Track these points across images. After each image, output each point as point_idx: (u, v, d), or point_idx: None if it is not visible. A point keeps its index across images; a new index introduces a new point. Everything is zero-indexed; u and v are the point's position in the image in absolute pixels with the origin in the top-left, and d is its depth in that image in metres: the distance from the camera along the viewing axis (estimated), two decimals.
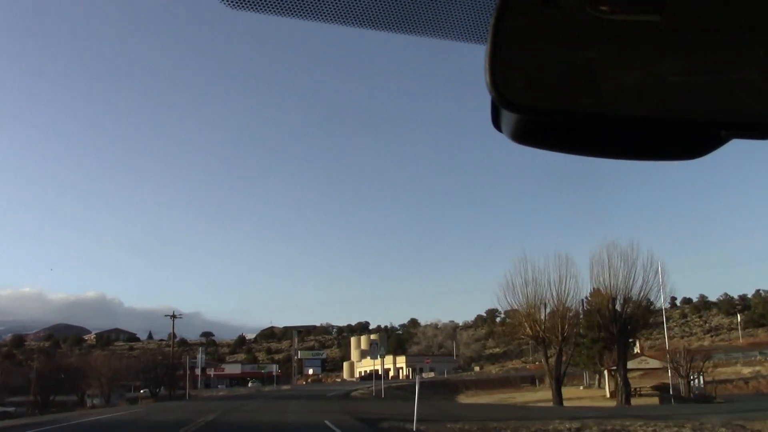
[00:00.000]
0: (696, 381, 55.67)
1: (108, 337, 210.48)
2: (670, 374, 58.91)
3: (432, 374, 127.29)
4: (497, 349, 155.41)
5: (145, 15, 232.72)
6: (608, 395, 64.44)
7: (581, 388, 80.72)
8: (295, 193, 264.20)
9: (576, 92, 1.30)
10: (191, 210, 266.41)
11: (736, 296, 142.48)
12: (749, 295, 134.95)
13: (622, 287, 49.42)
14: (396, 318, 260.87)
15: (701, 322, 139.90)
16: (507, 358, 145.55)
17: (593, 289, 51.65)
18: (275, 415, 32.49)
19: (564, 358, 51.59)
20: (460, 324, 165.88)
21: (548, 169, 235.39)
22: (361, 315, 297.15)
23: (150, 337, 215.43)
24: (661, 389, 68.52)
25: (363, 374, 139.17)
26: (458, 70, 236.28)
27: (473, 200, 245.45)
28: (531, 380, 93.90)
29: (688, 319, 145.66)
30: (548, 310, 50.68)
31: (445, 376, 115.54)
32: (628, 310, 48.58)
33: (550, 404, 52.68)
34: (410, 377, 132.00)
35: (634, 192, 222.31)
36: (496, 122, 1.44)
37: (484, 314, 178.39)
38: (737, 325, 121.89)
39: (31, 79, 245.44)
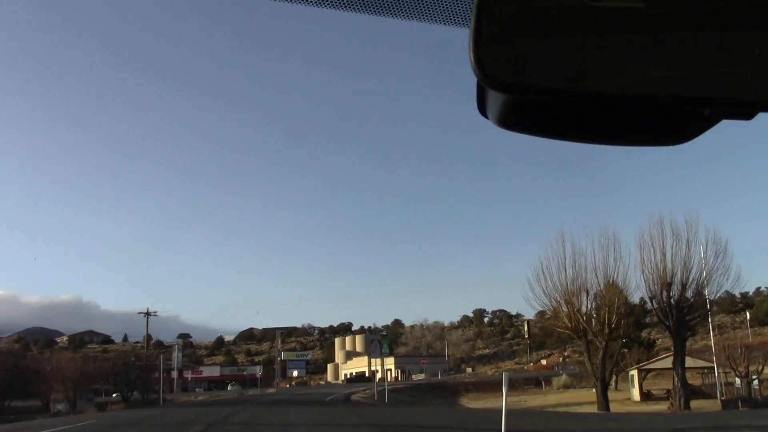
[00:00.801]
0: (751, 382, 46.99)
1: (81, 340, 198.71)
2: (717, 374, 50.59)
3: (423, 376, 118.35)
4: (487, 350, 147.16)
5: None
6: (637, 398, 56.11)
7: (594, 390, 72.27)
8: (273, 195, 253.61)
9: (561, 71, 1.27)
10: (170, 213, 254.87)
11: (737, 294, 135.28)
12: (750, 293, 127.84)
13: (678, 271, 40.36)
14: (379, 319, 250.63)
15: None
16: (498, 359, 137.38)
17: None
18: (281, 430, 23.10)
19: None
20: (446, 324, 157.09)
21: (545, 159, 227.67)
22: (343, 316, 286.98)
23: (125, 339, 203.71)
24: (695, 392, 60.48)
25: (349, 376, 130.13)
26: (436, 66, 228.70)
27: (458, 199, 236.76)
28: (535, 382, 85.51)
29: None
30: (591, 298, 41.57)
31: (439, 377, 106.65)
32: (689, 298, 39.61)
33: (590, 409, 44.52)
34: (399, 379, 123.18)
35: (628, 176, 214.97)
36: (482, 108, 1.40)
37: (471, 314, 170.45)
38: (741, 323, 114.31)
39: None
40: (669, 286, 40.35)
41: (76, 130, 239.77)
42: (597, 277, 41.17)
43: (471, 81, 1.32)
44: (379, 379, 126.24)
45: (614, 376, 71.48)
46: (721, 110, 1.31)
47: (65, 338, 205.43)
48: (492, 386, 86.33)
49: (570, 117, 1.38)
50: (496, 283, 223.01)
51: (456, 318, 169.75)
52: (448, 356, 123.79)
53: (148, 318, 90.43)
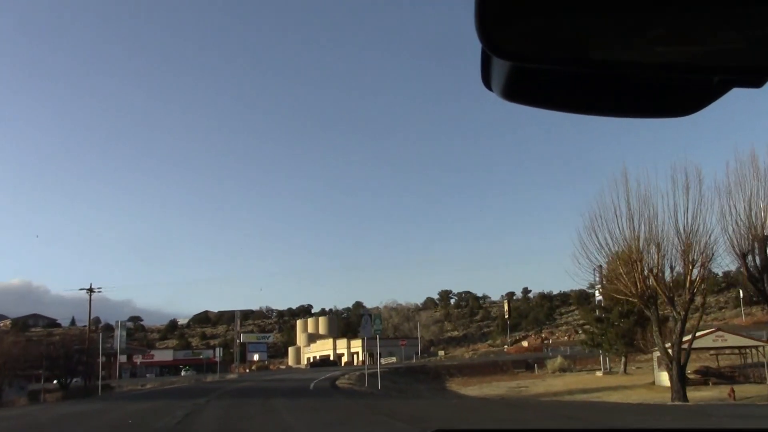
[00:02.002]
0: None
1: (25, 323, 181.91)
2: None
3: (394, 360, 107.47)
4: (456, 332, 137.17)
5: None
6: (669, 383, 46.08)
7: (599, 374, 62.58)
8: (224, 177, 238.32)
9: (567, 40, 1.23)
10: (121, 196, 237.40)
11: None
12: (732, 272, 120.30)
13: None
14: (340, 301, 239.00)
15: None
16: (468, 341, 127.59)
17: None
18: None
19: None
20: (408, 306, 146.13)
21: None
22: (302, 298, 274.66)
23: (73, 323, 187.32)
24: (717, 375, 51.10)
25: (312, 360, 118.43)
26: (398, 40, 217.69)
27: (419, 178, 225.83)
28: (525, 365, 75.43)
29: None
30: (665, 255, 30.90)
31: (414, 361, 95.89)
32: None
33: (616, 397, 34.63)
34: (366, 363, 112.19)
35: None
36: (486, 80, 1.36)
37: (436, 296, 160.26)
38: (727, 303, 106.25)
39: None
40: (765, 241, 29.87)
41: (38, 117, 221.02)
42: (675, 227, 30.20)
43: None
44: (346, 362, 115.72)
45: (623, 358, 61.94)
46: (729, 78, 1.25)
47: (8, 322, 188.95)
48: (476, 370, 76.16)
49: (575, 88, 1.31)
50: (460, 264, 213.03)
51: (420, 300, 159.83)
52: (420, 338, 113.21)
53: (91, 295, 77.63)
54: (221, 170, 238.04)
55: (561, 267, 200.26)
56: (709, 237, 30.46)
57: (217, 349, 74.55)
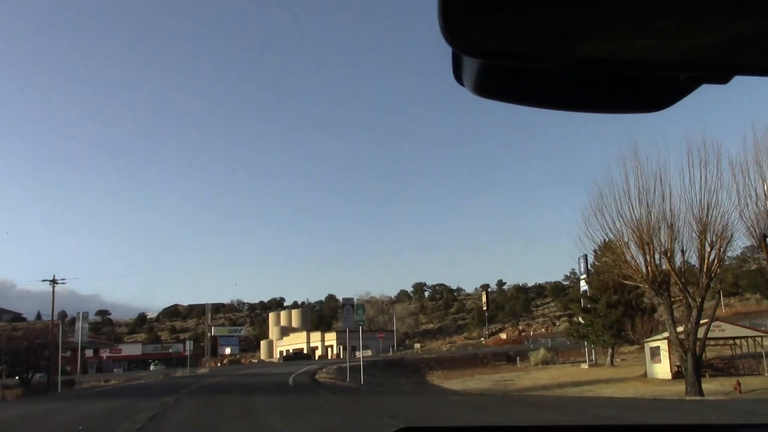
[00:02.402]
0: None
1: None
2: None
3: (369, 353, 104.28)
4: (431, 325, 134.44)
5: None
6: (667, 375, 43.72)
7: (584, 366, 60.12)
8: (193, 169, 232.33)
9: (535, 36, 1.21)
10: (90, 189, 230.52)
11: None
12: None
13: None
14: (312, 294, 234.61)
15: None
16: (444, 334, 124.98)
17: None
18: None
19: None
20: (384, 299, 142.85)
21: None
22: (273, 291, 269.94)
23: (39, 317, 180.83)
24: (707, 367, 48.84)
25: (285, 354, 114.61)
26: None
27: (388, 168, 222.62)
28: (507, 358, 72.82)
29: None
30: (678, 236, 28.09)
31: (390, 354, 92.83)
32: None
33: (610, 390, 31.93)
34: (341, 356, 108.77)
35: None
36: (458, 75, 1.35)
37: (410, 289, 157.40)
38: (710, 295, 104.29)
39: None
40: None
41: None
42: (690, 206, 27.38)
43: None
44: (320, 356, 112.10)
45: (610, 350, 59.52)
46: (696, 75, 1.25)
47: None
48: (456, 363, 73.28)
49: (546, 84, 1.31)
50: (434, 257, 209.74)
51: (393, 293, 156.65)
52: (395, 331, 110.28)
53: (54, 286, 73.25)
54: (191, 163, 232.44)
55: (535, 259, 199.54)
56: (728, 217, 27.66)
57: (188, 343, 70.46)
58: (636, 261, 29.24)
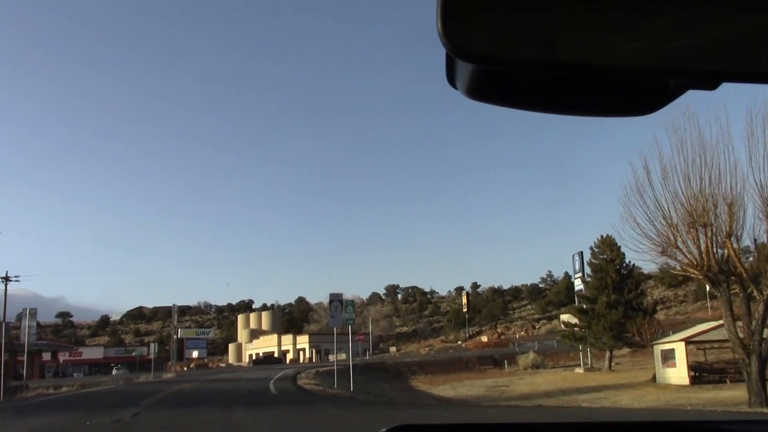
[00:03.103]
0: None
1: None
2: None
3: (343, 356, 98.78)
4: (405, 328, 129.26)
5: None
6: (684, 380, 39.26)
7: (579, 370, 55.56)
8: (157, 172, 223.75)
9: (529, 42, 1.22)
10: (51, 188, 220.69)
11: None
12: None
13: None
14: (282, 297, 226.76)
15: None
16: (419, 337, 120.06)
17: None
18: None
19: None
20: (356, 301, 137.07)
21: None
22: (242, 293, 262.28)
23: None
24: (709, 371, 44.50)
25: (255, 357, 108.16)
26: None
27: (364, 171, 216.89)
28: (492, 361, 67.98)
29: None
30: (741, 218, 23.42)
31: (367, 357, 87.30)
32: None
33: (629, 399, 27.42)
34: (314, 360, 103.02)
35: None
36: (451, 78, 1.35)
37: (382, 291, 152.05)
38: (687, 297, 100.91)
39: None
40: None
41: None
42: (753, 183, 22.68)
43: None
44: (291, 360, 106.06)
45: (608, 353, 55.03)
46: (685, 81, 1.26)
47: None
48: (439, 367, 68.18)
49: (538, 87, 1.32)
50: (406, 259, 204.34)
51: (365, 295, 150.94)
52: (371, 334, 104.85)
53: (6, 284, 66.00)
54: (154, 163, 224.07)
55: (510, 261, 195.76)
56: None
57: (152, 345, 64.01)
58: (687, 246, 24.36)
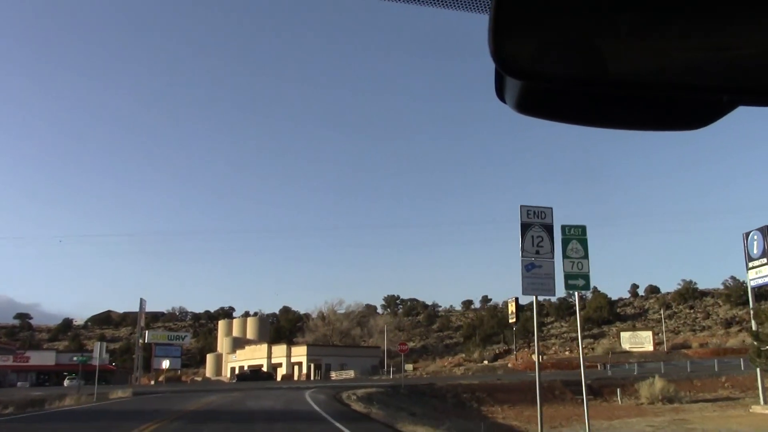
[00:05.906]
0: None
1: None
2: None
3: (352, 374, 75.51)
4: (412, 343, 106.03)
5: None
6: None
7: (757, 407, 34.22)
8: (135, 174, 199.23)
9: (578, 59, 1.22)
10: (27, 193, 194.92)
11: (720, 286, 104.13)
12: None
13: None
14: (265, 305, 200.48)
15: (693, 314, 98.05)
16: (429, 353, 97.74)
17: None
18: None
19: None
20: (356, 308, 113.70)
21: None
22: (221, 301, 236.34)
23: None
24: None
25: (239, 371, 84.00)
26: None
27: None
28: (589, 389, 44.68)
29: (676, 310, 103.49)
30: None
31: (389, 377, 64.89)
32: None
33: None
34: (311, 377, 79.90)
35: None
36: (500, 93, 1.35)
37: (381, 303, 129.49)
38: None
39: None
40: None
41: None
42: None
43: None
44: (285, 375, 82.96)
45: None
46: (738, 97, 1.23)
47: None
48: (512, 393, 45.48)
49: (587, 102, 1.30)
50: (404, 270, 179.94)
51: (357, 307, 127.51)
52: (385, 349, 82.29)
53: None
54: (139, 162, 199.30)
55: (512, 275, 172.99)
56: None
57: (98, 345, 40.21)
58: None
